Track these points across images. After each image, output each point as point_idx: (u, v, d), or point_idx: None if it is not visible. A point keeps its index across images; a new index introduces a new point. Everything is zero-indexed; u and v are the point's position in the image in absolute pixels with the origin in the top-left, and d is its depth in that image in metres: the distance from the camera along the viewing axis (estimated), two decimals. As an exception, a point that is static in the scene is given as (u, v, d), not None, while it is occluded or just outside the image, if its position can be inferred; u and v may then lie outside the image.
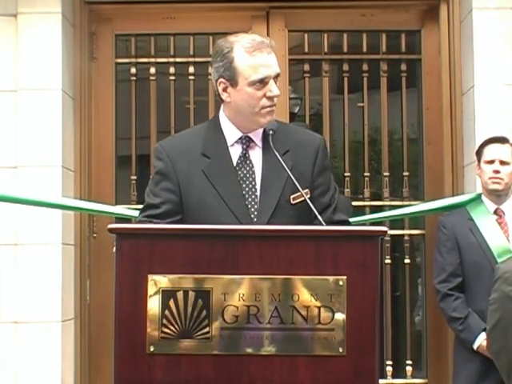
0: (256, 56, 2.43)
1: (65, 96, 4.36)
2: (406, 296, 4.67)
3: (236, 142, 2.52)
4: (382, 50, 4.70)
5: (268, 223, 2.38)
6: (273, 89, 2.44)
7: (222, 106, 2.58)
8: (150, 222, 2.42)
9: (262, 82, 2.43)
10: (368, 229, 2.15)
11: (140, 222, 2.48)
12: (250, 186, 2.47)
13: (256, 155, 2.51)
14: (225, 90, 2.50)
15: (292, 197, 2.44)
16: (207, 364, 2.02)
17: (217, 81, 2.50)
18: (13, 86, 4.31)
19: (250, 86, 2.44)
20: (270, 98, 2.45)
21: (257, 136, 2.52)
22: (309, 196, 2.43)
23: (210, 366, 2.02)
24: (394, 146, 5.40)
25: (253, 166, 2.50)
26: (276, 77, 2.46)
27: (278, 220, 2.39)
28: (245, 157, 2.51)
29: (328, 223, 2.36)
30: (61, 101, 4.30)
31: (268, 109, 2.46)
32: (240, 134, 2.52)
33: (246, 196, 2.46)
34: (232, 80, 2.47)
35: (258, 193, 2.46)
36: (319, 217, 2.30)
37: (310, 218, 2.37)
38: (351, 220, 2.82)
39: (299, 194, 2.40)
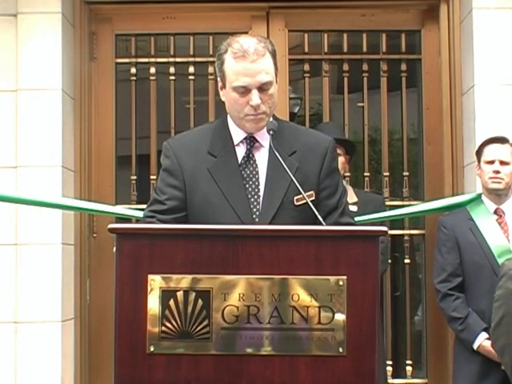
0: (239, 63, 2.41)
1: (65, 96, 4.36)
2: (406, 296, 4.66)
3: (241, 141, 2.52)
4: (382, 50, 4.70)
5: (270, 224, 2.36)
6: (253, 98, 2.41)
7: None
8: (154, 218, 2.42)
9: (245, 89, 2.42)
10: (368, 229, 2.13)
11: (145, 217, 2.49)
12: (253, 186, 2.46)
13: (261, 156, 2.50)
14: (221, 89, 2.52)
15: (296, 198, 2.42)
16: (207, 364, 2.01)
17: (217, 79, 2.53)
18: (13, 86, 4.31)
19: (234, 91, 2.44)
20: (253, 107, 2.43)
21: (262, 136, 2.50)
22: (313, 198, 2.41)
23: (209, 365, 2.01)
24: (394, 146, 5.40)
25: (256, 167, 2.48)
26: (264, 85, 2.42)
27: (280, 221, 2.38)
28: (248, 157, 2.50)
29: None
30: (61, 101, 4.30)
31: (252, 117, 2.44)
32: (244, 134, 2.51)
33: (249, 196, 2.45)
34: (222, 81, 2.50)
35: (262, 193, 2.45)
36: (320, 218, 2.28)
37: (314, 221, 2.32)
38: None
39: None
